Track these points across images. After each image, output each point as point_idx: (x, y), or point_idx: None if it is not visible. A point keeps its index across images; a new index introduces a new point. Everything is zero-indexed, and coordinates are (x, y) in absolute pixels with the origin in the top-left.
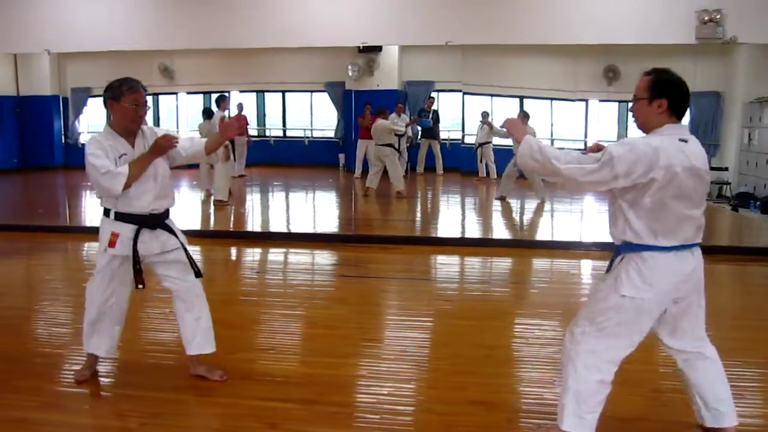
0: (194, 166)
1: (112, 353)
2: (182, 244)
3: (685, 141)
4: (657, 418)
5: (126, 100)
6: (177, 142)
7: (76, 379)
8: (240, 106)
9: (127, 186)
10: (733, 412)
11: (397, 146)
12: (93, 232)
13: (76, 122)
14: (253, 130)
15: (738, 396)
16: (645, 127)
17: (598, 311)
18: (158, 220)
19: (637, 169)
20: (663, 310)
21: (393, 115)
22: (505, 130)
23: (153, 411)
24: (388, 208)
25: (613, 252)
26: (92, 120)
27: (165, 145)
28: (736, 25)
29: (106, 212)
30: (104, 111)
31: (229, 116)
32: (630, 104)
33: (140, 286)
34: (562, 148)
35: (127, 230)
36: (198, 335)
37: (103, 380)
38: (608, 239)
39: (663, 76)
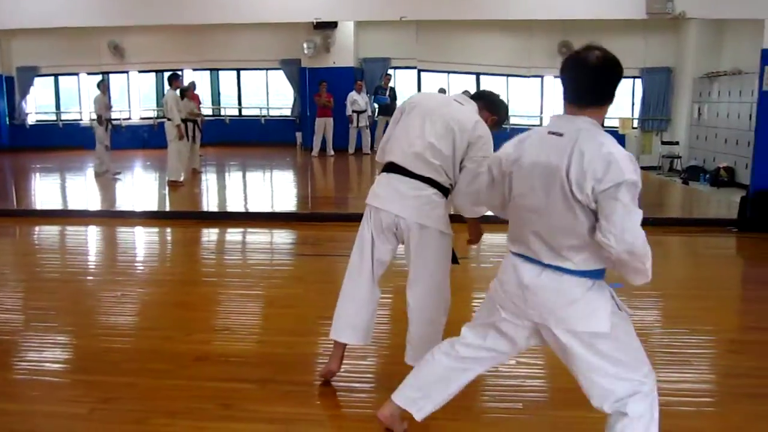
0: (160, 147)
1: None
2: None
3: (558, 134)
4: None
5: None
6: None
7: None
8: (192, 85)
9: None
10: None
11: (357, 123)
12: (43, 216)
13: (23, 102)
14: (207, 109)
15: (685, 363)
16: None
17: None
18: None
19: (500, 162)
20: (516, 324)
21: (353, 93)
22: None
23: (104, 396)
24: (346, 186)
25: None
26: (39, 100)
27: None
28: (684, 1)
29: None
30: (53, 90)
31: (182, 94)
32: None
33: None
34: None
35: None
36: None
37: (55, 366)
38: None
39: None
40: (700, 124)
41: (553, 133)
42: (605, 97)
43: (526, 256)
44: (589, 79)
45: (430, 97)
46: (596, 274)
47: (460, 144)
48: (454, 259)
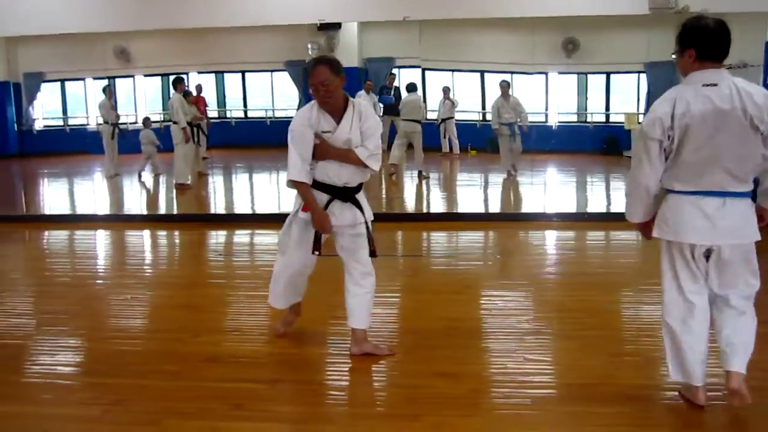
0: (166, 150)
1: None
2: (366, 221)
3: (713, 85)
4: (614, 381)
5: (310, 84)
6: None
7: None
8: (198, 88)
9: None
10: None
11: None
12: (52, 221)
13: (30, 108)
14: (213, 112)
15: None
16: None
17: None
18: (350, 194)
19: (664, 125)
20: (693, 253)
21: (362, 92)
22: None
23: (116, 398)
24: None
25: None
26: (47, 105)
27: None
28: None
29: None
30: (59, 96)
31: (190, 97)
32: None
33: (317, 253)
34: None
35: (321, 198)
36: (354, 311)
37: (68, 369)
38: (570, 209)
39: (688, 24)
40: None
41: (708, 85)
42: (727, 53)
43: (706, 191)
44: (719, 40)
45: None
46: None
47: None
48: (372, 252)
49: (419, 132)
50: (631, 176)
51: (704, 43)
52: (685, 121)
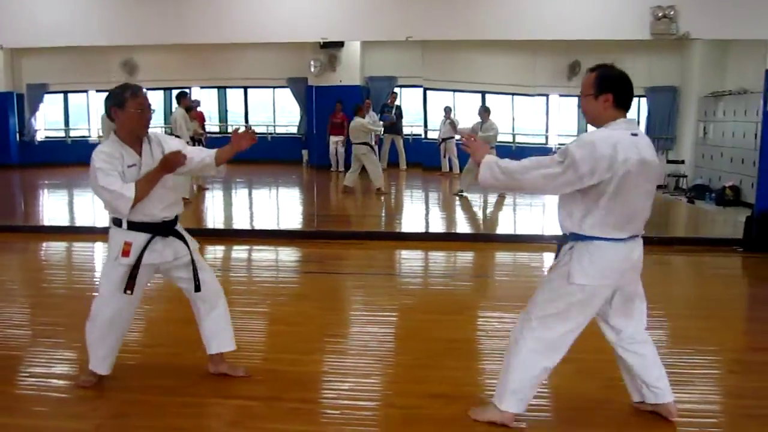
0: None
1: (110, 368)
2: (191, 252)
3: (636, 135)
4: (612, 406)
5: (130, 106)
6: (185, 158)
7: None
8: (196, 103)
9: (133, 206)
10: (669, 388)
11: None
12: (51, 232)
13: (32, 119)
14: (214, 127)
15: (688, 383)
16: (596, 121)
17: (548, 299)
18: (170, 228)
19: (599, 166)
20: (609, 295)
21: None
22: (462, 139)
23: (112, 412)
24: (352, 204)
25: (560, 240)
26: (49, 116)
27: (174, 162)
28: (689, 21)
29: (117, 222)
30: (62, 107)
31: (192, 112)
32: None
33: (128, 292)
34: (525, 149)
35: (140, 239)
36: (219, 334)
37: (63, 382)
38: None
39: (606, 70)
40: (705, 143)
41: (634, 134)
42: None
43: (635, 235)
44: (632, 91)
45: None
46: None
47: None
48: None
49: (366, 153)
50: (525, 178)
51: (624, 90)
52: (627, 167)
